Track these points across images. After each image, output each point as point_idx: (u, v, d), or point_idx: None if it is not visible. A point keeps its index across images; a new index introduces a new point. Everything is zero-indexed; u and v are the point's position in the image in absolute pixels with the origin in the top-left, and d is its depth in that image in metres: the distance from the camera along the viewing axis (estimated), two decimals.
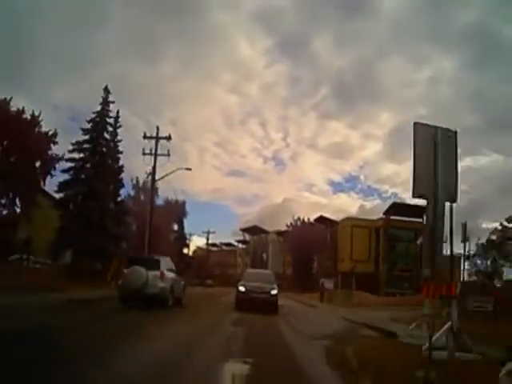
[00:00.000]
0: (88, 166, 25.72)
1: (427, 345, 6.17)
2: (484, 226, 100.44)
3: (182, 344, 7.03)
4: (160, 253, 20.10)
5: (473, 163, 77.93)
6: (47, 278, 18.13)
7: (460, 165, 8.73)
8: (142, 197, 36.37)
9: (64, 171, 25.04)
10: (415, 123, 8.36)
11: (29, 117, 23.88)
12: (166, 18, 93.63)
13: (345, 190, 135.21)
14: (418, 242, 36.68)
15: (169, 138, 23.53)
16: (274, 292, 15.85)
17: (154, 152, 23.05)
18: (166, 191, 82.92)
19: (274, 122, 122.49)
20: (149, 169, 24.26)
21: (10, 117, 23.79)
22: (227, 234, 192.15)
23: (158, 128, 24.19)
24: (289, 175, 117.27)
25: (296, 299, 29.78)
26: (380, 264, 48.41)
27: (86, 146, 25.85)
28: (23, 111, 23.91)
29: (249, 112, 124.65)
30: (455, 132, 8.38)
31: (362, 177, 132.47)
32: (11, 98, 24.19)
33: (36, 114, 23.46)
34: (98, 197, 24.38)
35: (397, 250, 48.33)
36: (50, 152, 24.24)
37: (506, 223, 33.13)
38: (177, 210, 47.90)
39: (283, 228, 64.15)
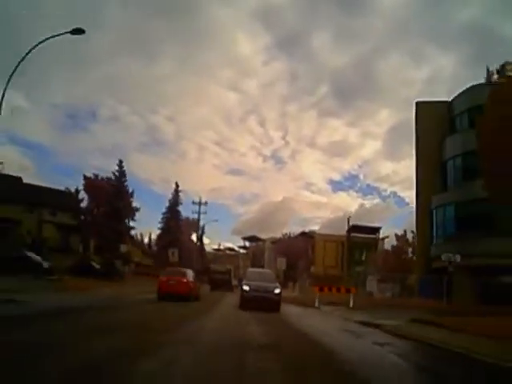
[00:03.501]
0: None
1: None
2: None
3: None
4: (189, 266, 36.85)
5: None
6: None
7: None
8: None
9: (159, 228, 48.89)
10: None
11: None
12: (164, 15, 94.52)
13: (344, 188, 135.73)
14: (363, 257, 54.55)
15: (205, 203, 45.04)
16: (278, 291, 16.13)
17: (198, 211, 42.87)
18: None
19: (273, 120, 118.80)
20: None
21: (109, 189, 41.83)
22: (226, 234, 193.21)
23: (200, 198, 45.63)
24: (288, 174, 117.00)
25: None
26: (344, 268, 66.42)
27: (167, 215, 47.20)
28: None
29: (248, 110, 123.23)
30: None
31: (361, 175, 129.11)
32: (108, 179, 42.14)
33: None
34: (177, 242, 45.14)
35: (355, 259, 66.48)
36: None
37: None
38: (199, 230, 66.20)
39: (280, 233, 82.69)
